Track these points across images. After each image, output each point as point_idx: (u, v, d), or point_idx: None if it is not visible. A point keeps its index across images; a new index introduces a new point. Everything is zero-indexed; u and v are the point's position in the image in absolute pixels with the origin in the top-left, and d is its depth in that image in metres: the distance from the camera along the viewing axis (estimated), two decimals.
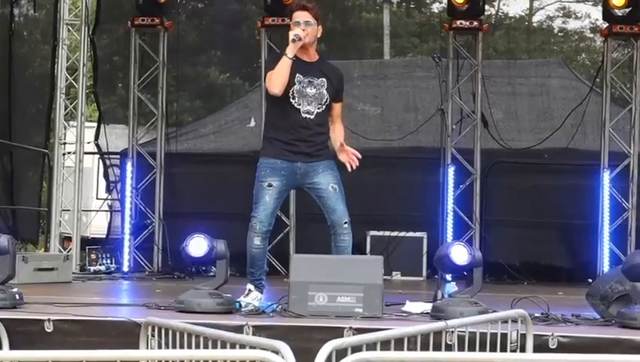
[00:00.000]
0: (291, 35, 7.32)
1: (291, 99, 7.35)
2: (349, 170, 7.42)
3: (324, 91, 7.41)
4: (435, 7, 23.97)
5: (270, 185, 7.34)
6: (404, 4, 24.45)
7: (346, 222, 7.34)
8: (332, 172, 7.42)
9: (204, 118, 15.14)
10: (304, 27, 7.35)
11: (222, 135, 13.87)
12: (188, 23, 19.34)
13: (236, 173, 12.25)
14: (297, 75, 7.36)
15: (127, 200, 12.47)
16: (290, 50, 7.30)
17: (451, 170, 12.37)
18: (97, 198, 15.19)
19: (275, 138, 7.43)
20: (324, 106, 7.41)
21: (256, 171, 7.42)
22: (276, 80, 7.30)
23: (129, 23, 12.64)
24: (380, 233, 12.49)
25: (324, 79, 7.43)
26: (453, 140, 12.46)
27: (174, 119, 13.50)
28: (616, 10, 12.13)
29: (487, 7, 13.66)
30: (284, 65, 7.29)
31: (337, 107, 7.56)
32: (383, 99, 14.23)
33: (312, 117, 7.37)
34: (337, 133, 7.55)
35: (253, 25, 14.69)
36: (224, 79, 21.26)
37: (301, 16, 7.41)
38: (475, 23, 12.49)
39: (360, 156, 7.41)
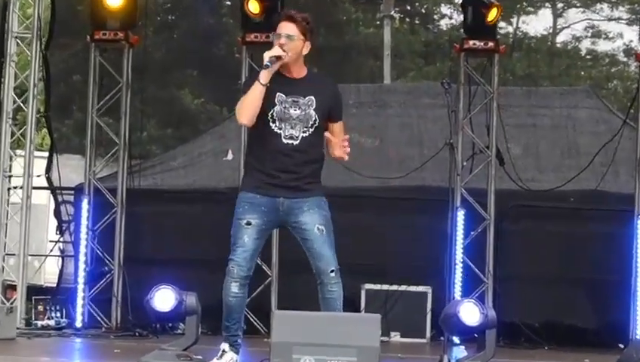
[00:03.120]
0: (266, 57, 7.31)
1: (271, 123, 7.33)
2: (345, 158, 7.35)
3: (312, 111, 7.37)
4: (444, 24, 24.15)
5: (249, 224, 7.35)
6: (407, 19, 24.63)
7: (332, 270, 7.32)
8: (320, 211, 7.39)
9: (173, 149, 15.18)
10: (284, 41, 7.34)
11: (194, 169, 13.89)
12: (157, 37, 19.46)
13: (210, 213, 12.27)
14: (278, 94, 7.34)
15: (82, 243, 12.44)
16: (264, 77, 7.28)
17: (461, 214, 12.39)
18: (50, 241, 15.15)
19: (255, 169, 7.44)
20: (312, 129, 7.37)
21: (235, 207, 7.42)
22: (245, 110, 7.33)
23: (88, 37, 12.66)
24: (377, 286, 12.48)
25: (312, 97, 7.38)
26: (464, 179, 12.48)
27: (139, 150, 13.52)
28: None
29: (505, 24, 13.73)
30: (255, 94, 7.29)
31: (336, 128, 7.47)
32: (382, 131, 14.27)
33: (296, 142, 7.35)
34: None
35: (232, 41, 14.77)
36: (198, 104, 21.32)
37: (284, 28, 7.41)
38: (491, 44, 12.48)
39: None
